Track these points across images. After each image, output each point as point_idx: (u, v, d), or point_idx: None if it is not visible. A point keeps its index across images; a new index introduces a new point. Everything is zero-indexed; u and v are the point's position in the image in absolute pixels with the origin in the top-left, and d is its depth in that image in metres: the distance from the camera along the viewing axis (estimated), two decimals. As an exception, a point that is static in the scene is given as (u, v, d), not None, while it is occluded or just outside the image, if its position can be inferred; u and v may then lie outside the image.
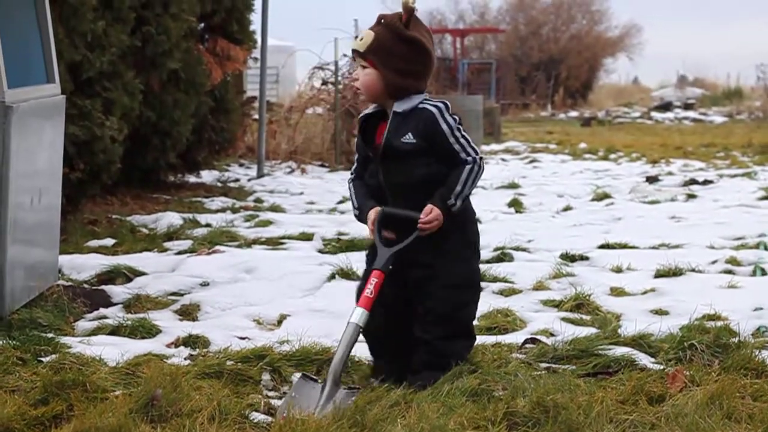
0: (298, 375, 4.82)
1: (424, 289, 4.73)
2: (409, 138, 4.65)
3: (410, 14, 4.68)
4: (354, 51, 4.77)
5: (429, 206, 4.65)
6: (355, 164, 4.92)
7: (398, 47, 4.67)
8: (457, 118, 4.71)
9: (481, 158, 4.72)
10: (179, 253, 8.20)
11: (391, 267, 4.66)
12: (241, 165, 16.43)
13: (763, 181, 14.31)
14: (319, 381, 4.50)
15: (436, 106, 4.69)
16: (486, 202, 11.89)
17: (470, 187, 4.69)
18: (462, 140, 4.68)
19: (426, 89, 4.79)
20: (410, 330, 4.76)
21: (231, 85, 13.56)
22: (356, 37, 4.84)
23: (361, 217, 4.84)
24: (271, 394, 4.69)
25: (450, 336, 4.73)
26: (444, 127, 4.66)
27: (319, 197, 12.61)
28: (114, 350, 5.18)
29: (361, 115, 4.86)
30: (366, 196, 4.82)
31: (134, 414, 4.12)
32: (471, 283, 4.82)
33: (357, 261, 7.21)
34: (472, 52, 42.61)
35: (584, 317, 6.13)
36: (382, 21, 4.70)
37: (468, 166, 4.67)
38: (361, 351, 4.97)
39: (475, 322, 4.98)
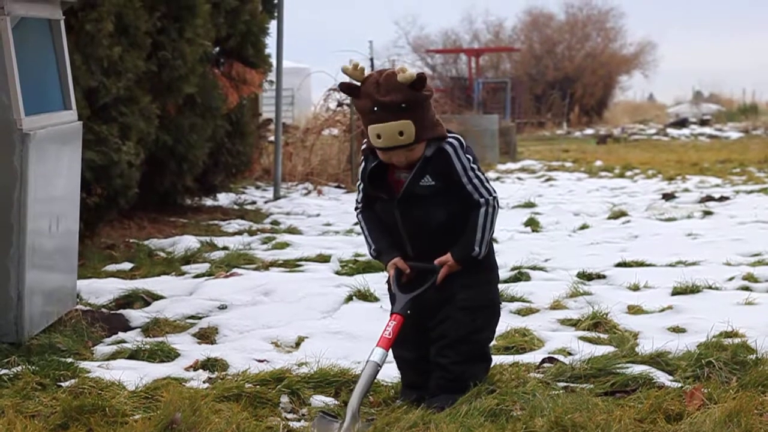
0: (317, 399, 4.84)
1: (440, 312, 4.73)
2: (427, 181, 4.62)
3: (425, 80, 4.58)
4: (396, 147, 4.57)
5: (445, 258, 4.65)
6: (360, 194, 4.84)
7: (428, 112, 4.63)
8: (470, 157, 4.66)
9: (494, 197, 4.68)
10: (197, 276, 8.22)
11: (409, 312, 4.67)
12: (257, 187, 16.44)
13: (780, 197, 14.28)
14: (338, 419, 4.49)
15: (451, 145, 4.63)
16: (502, 221, 11.79)
17: (490, 230, 4.66)
18: (475, 180, 4.64)
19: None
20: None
21: (247, 108, 13.58)
22: (378, 136, 4.54)
23: (379, 259, 4.82)
24: (289, 416, 4.70)
25: (466, 360, 4.73)
26: (458, 166, 4.62)
27: (336, 218, 12.61)
28: (133, 374, 5.20)
29: (365, 148, 4.74)
30: (381, 236, 4.77)
31: (154, 438, 4.14)
32: (489, 306, 4.81)
33: (374, 282, 7.22)
34: (487, 72, 42.54)
35: (602, 336, 6.13)
36: (404, 105, 4.53)
37: (482, 209, 4.64)
38: (382, 373, 4.98)
39: (492, 342, 4.98)
